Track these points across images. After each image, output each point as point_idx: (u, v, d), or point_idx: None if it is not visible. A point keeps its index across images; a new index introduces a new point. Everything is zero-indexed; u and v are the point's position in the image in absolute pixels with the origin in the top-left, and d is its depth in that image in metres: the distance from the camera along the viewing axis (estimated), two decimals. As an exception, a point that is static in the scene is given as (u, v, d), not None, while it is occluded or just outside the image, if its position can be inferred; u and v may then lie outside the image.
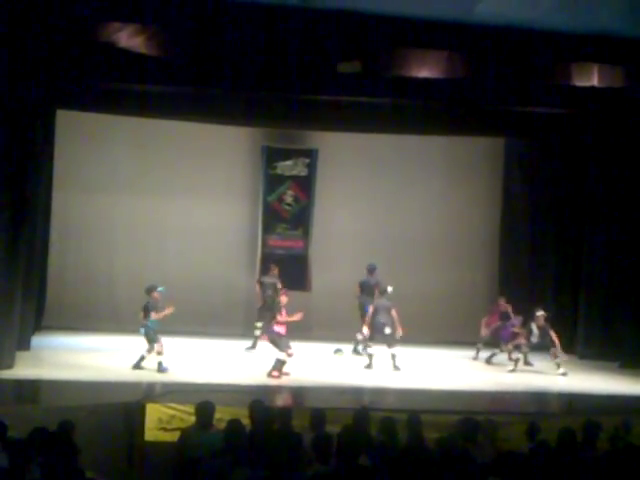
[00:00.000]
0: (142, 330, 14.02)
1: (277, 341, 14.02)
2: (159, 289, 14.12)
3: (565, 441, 8.12)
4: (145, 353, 13.93)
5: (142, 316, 13.99)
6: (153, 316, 13.90)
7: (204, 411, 8.52)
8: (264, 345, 16.81)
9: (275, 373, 13.81)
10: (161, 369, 13.71)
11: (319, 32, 13.57)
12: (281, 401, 12.57)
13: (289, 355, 13.95)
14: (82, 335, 17.21)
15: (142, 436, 10.82)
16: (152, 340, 13.90)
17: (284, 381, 13.72)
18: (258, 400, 9.07)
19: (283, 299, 14.27)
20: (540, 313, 15.62)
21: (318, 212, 19.31)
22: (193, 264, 18.63)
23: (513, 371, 15.64)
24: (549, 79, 14.45)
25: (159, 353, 13.84)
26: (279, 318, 14.09)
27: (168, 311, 14.02)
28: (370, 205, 19.45)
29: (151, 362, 13.87)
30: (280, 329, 14.11)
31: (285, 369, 14.04)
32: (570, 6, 12.99)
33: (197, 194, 18.98)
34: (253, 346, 16.76)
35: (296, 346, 16.93)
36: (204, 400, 8.70)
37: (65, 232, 18.57)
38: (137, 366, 13.85)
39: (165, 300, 14.22)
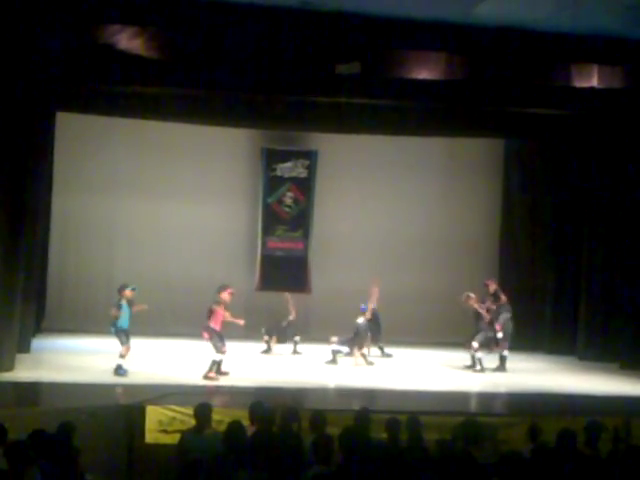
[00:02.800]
0: (112, 329, 13.82)
1: (215, 340, 13.86)
2: (131, 287, 13.92)
3: (565, 442, 8.11)
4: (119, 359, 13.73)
5: (113, 314, 13.73)
6: (114, 312, 13.70)
7: (202, 413, 8.51)
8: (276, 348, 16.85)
9: (211, 374, 13.72)
10: (119, 372, 13.50)
11: (318, 33, 13.59)
12: (284, 402, 12.53)
13: (222, 352, 13.86)
14: (82, 337, 17.22)
15: (142, 438, 10.81)
16: (122, 342, 13.71)
17: (282, 382, 13.72)
18: (258, 402, 9.06)
19: (225, 296, 14.06)
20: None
21: (318, 214, 19.31)
22: (193, 266, 18.63)
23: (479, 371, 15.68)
24: (549, 80, 14.45)
25: (122, 356, 13.64)
26: (219, 312, 13.92)
27: (140, 307, 13.92)
28: (370, 206, 19.44)
29: (133, 362, 13.84)
30: (216, 326, 13.92)
31: (223, 368, 13.97)
32: (569, 7, 12.99)
33: (197, 196, 18.98)
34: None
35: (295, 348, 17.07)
36: (203, 402, 8.70)
37: (65, 234, 18.58)
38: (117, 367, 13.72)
39: (138, 299, 14.11)
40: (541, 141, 19.05)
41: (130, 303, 13.86)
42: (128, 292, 13.85)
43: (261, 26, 13.41)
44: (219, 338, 13.88)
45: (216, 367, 13.84)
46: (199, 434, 8.32)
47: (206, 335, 13.97)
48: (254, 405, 8.86)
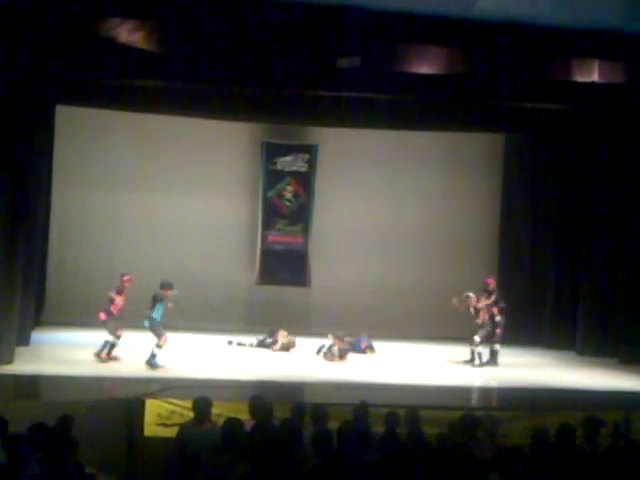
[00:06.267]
0: (146, 323, 13.87)
1: (110, 324, 14.17)
2: (174, 291, 14.01)
3: (564, 437, 8.10)
4: (155, 348, 13.82)
5: (150, 307, 13.81)
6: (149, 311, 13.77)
7: (201, 407, 8.50)
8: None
9: (103, 355, 14.06)
10: (152, 363, 13.59)
11: (319, 27, 13.57)
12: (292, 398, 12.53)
13: (117, 336, 14.17)
14: (81, 331, 17.18)
15: (142, 431, 10.82)
16: (159, 334, 13.77)
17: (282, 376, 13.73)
18: (258, 395, 9.07)
19: (125, 284, 14.41)
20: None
21: (318, 208, 19.31)
22: (193, 260, 18.63)
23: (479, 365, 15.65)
24: (549, 75, 14.43)
25: (159, 347, 13.74)
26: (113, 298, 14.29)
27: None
28: (369, 201, 19.44)
29: (163, 356, 13.81)
30: (114, 310, 14.25)
31: (114, 353, 14.30)
32: (570, 2, 12.97)
33: (197, 190, 18.98)
34: None
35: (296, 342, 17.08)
36: (201, 396, 8.69)
37: (64, 228, 18.57)
38: (150, 360, 13.74)
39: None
40: (541, 136, 19.04)
41: (166, 301, 13.96)
42: (169, 292, 13.93)
43: (261, 19, 13.39)
44: (115, 322, 14.18)
45: (108, 349, 14.17)
46: (198, 428, 8.32)
47: (103, 316, 14.32)
48: (253, 399, 8.86)
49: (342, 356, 15.74)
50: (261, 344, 16.82)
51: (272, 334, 16.93)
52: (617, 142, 17.16)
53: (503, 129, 18.93)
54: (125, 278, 14.49)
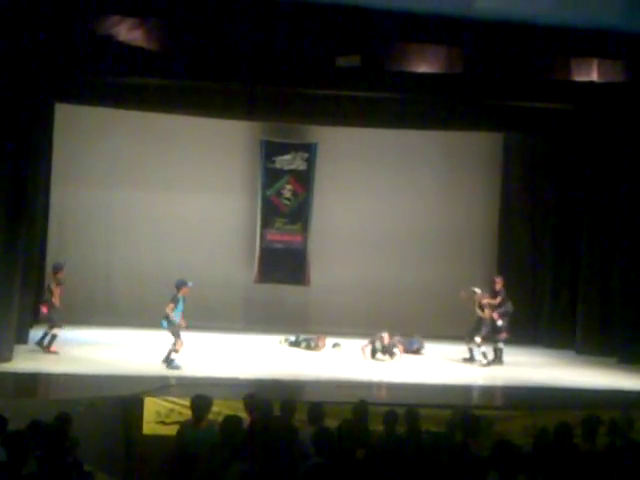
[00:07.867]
0: (164, 323, 13.71)
1: (54, 315, 14.37)
2: (189, 284, 13.82)
3: (561, 435, 8.11)
4: (172, 347, 13.69)
5: (170, 309, 13.60)
6: (171, 307, 13.60)
7: (199, 405, 8.50)
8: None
9: (53, 348, 14.25)
10: (172, 366, 13.52)
11: (318, 26, 13.57)
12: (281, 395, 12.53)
13: (60, 327, 14.43)
14: (80, 329, 17.18)
15: (140, 430, 10.83)
16: (177, 335, 13.63)
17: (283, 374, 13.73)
18: (252, 394, 9.08)
19: (61, 276, 14.63)
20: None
21: (317, 206, 19.30)
22: (191, 258, 18.60)
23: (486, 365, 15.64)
24: (548, 74, 14.44)
25: (176, 351, 13.60)
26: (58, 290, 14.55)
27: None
28: (369, 199, 19.44)
29: (179, 356, 13.75)
30: (56, 302, 14.47)
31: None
32: (569, 1, 12.98)
33: (196, 188, 18.96)
34: None
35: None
36: (199, 394, 8.69)
37: (63, 226, 18.55)
38: (167, 360, 13.67)
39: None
40: (540, 135, 19.04)
41: (185, 299, 13.79)
42: (186, 289, 13.78)
43: (261, 18, 13.39)
44: (58, 313, 14.40)
45: (50, 341, 14.37)
46: (197, 426, 8.32)
47: (45, 310, 14.55)
48: (248, 397, 8.87)
49: (390, 354, 15.83)
50: (307, 346, 16.86)
51: (315, 339, 16.97)
52: (616, 141, 17.15)
53: (502, 128, 18.93)
54: (62, 272, 14.77)
